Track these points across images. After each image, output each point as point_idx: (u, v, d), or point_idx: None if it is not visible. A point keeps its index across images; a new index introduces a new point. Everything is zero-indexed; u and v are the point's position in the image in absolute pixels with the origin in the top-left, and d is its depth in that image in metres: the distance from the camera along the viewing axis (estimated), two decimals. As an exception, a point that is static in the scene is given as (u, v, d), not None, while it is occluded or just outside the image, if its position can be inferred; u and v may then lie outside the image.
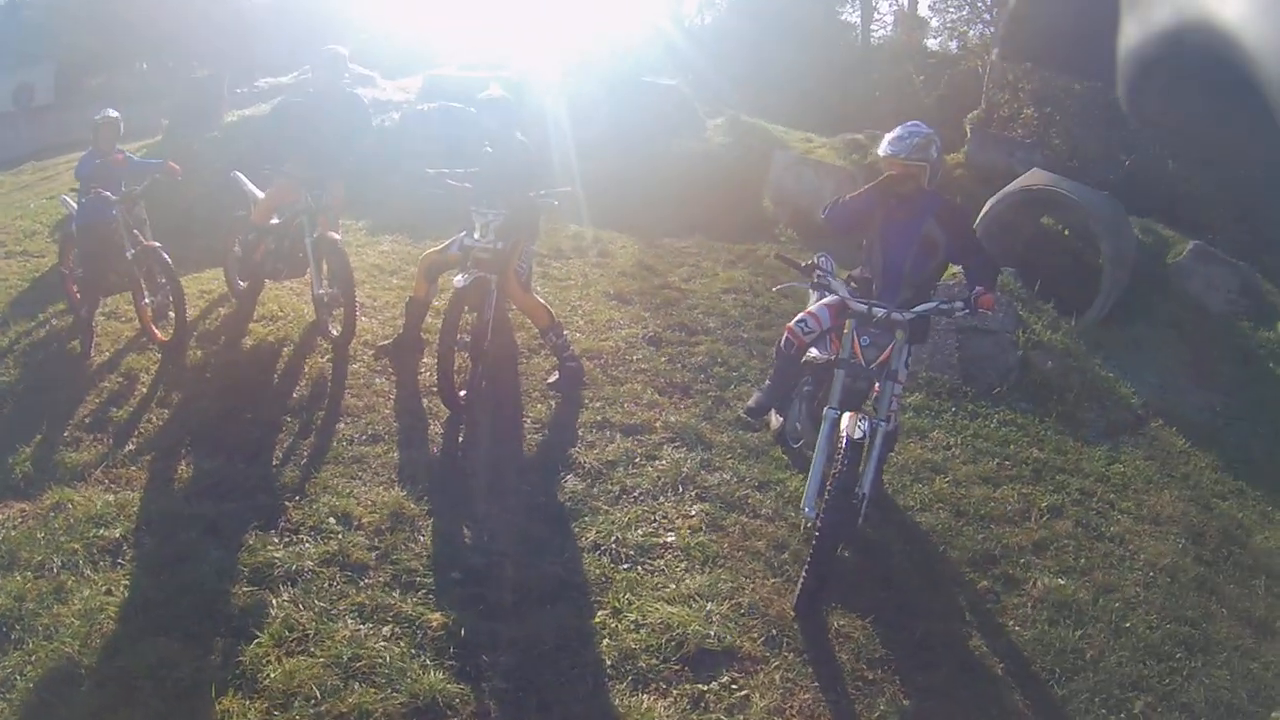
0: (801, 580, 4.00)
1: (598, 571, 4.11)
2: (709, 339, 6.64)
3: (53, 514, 4.40)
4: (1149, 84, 1.32)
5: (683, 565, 4.19)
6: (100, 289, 6.65)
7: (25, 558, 4.07)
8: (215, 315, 6.80)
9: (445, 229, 7.08)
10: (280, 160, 6.45)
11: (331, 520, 4.29)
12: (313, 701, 3.25)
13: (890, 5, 32.94)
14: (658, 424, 5.40)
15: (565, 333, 5.99)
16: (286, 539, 4.17)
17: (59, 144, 16.61)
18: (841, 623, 3.98)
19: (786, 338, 4.64)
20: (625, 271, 8.10)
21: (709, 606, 3.90)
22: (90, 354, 6.29)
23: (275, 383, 5.77)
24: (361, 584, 3.89)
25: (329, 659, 3.43)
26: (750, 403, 4.99)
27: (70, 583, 3.88)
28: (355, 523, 4.29)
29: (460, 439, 5.25)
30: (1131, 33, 1.30)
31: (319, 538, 4.17)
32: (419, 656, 3.50)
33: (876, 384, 4.28)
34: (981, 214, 9.69)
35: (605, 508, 4.60)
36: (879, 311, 4.20)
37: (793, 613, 3.96)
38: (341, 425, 5.20)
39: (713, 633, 3.74)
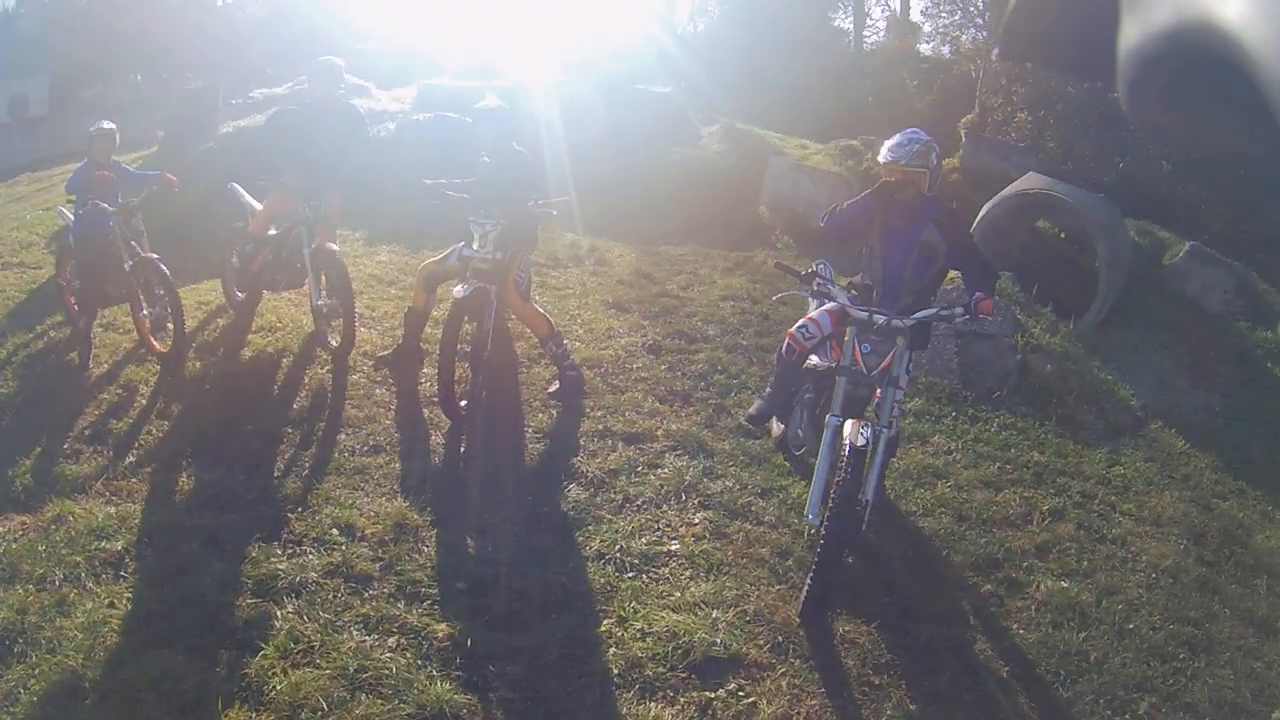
0: (807, 587, 4.00)
1: (602, 580, 4.11)
2: (709, 347, 6.65)
3: (54, 526, 4.38)
4: (1149, 84, 1.33)
5: (687, 573, 4.19)
6: (98, 300, 6.63)
7: (27, 570, 4.04)
8: (214, 326, 6.79)
9: (443, 239, 7.07)
10: (276, 171, 6.44)
11: (335, 531, 4.27)
12: (319, 714, 3.23)
13: (883, 11, 33.13)
14: (659, 432, 5.40)
15: (565, 342, 5.99)
16: (290, 550, 4.15)
17: (54, 155, 16.63)
18: (846, 628, 3.98)
19: (788, 344, 4.64)
20: (623, 280, 8.11)
21: (714, 614, 3.90)
22: (89, 366, 6.27)
23: (275, 394, 5.76)
24: (366, 595, 3.88)
25: (335, 671, 3.41)
26: (751, 410, 4.99)
27: (73, 595, 3.86)
28: (358, 534, 4.27)
29: (462, 449, 5.25)
30: (1131, 33, 1.30)
31: (322, 549, 4.15)
32: (425, 667, 3.49)
33: (878, 390, 4.28)
34: (978, 219, 9.72)
35: (608, 516, 4.59)
36: (880, 319, 4.20)
37: (798, 619, 3.96)
38: (342, 436, 5.19)
39: (719, 640, 3.74)
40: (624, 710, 3.42)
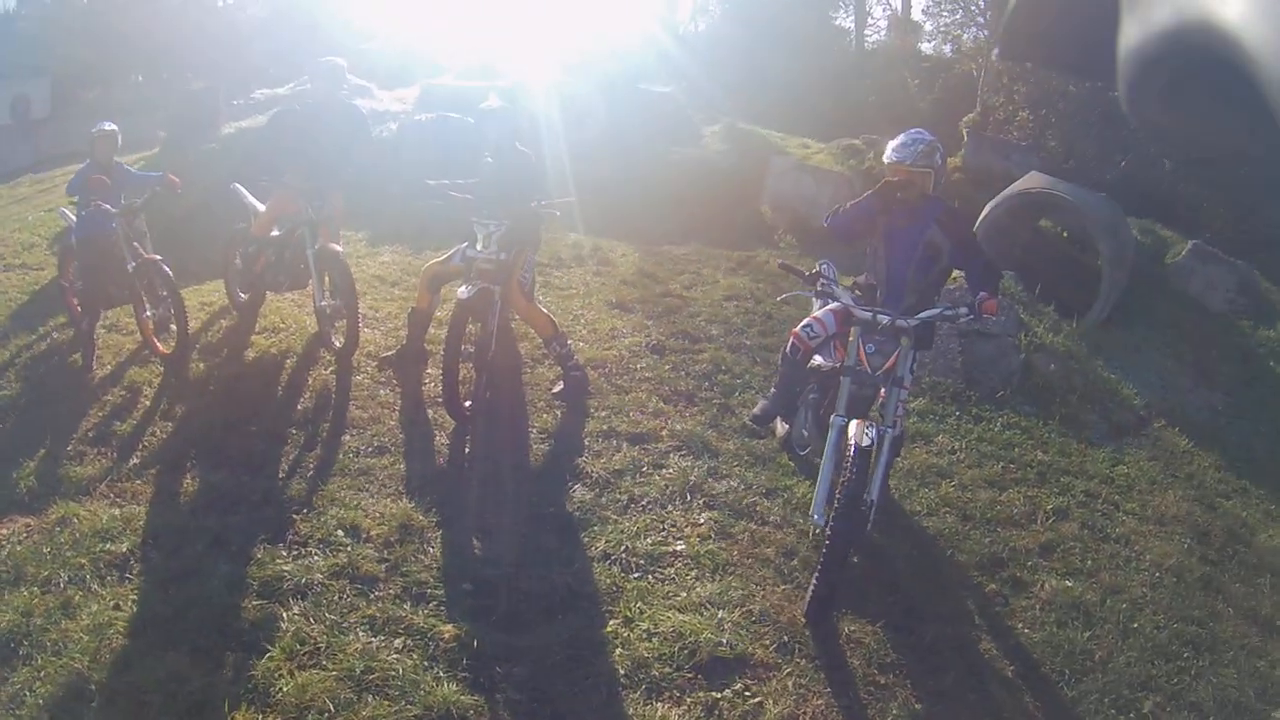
0: (812, 587, 4.00)
1: (608, 581, 4.11)
2: (712, 346, 6.65)
3: (58, 529, 4.38)
4: (1149, 84, 1.33)
5: (693, 573, 4.19)
6: (101, 302, 6.63)
7: (32, 573, 4.05)
8: (217, 328, 6.80)
9: (445, 239, 7.08)
10: (278, 170, 6.45)
11: (340, 533, 4.28)
12: (326, 715, 3.24)
13: (884, 10, 33.16)
14: (664, 432, 5.40)
15: (569, 342, 5.99)
16: (295, 552, 4.15)
17: (56, 156, 16.63)
18: (852, 628, 3.99)
19: (792, 343, 4.64)
20: (626, 279, 8.11)
21: (720, 614, 3.90)
22: (92, 367, 6.27)
23: (279, 395, 5.76)
24: (372, 596, 3.88)
25: (342, 672, 3.42)
26: (756, 410, 4.99)
27: (78, 598, 3.87)
28: (364, 535, 4.28)
29: (466, 450, 5.25)
30: (1131, 33, 1.30)
31: (328, 550, 4.15)
32: (432, 668, 3.50)
33: (882, 390, 4.28)
34: (980, 218, 9.71)
35: (614, 517, 4.59)
36: (884, 319, 4.20)
37: (804, 619, 3.97)
38: (347, 437, 5.20)
39: (724, 640, 3.74)
40: (630, 711, 3.42)
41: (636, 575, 4.16)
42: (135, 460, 5.07)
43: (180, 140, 12.36)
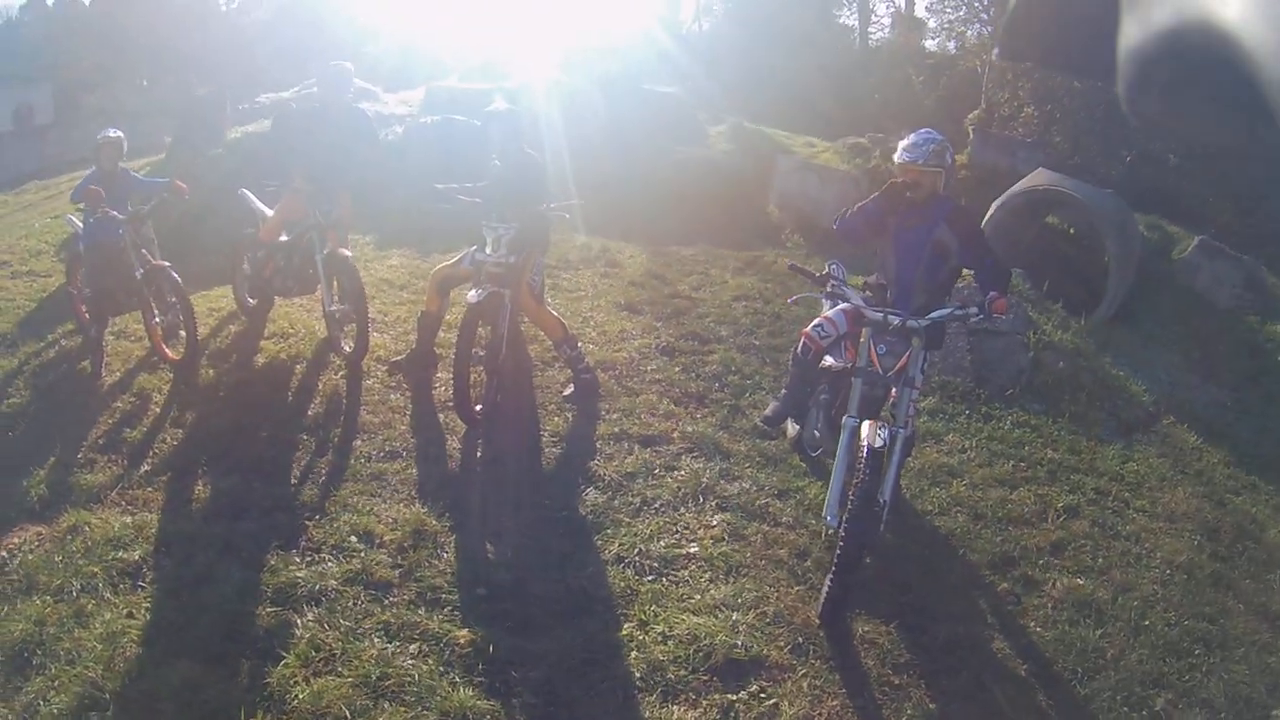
0: (826, 588, 4.00)
1: (622, 584, 4.11)
2: (722, 347, 6.65)
3: (70, 537, 4.38)
4: (1149, 83, 1.33)
5: (706, 575, 4.19)
6: (109, 308, 6.64)
7: (44, 581, 4.05)
8: (226, 333, 6.80)
9: (453, 242, 7.09)
10: (283, 171, 6.45)
11: (353, 538, 4.28)
12: (343, 721, 3.25)
13: (887, 7, 33.11)
14: (675, 434, 5.40)
15: (579, 345, 5.99)
16: (308, 558, 4.15)
17: (61, 162, 16.66)
18: (865, 629, 3.99)
19: (803, 343, 4.63)
20: (635, 281, 8.11)
21: (735, 616, 3.90)
22: (101, 374, 6.28)
23: (289, 400, 5.77)
24: (386, 602, 3.88)
25: (357, 678, 3.42)
26: (767, 411, 4.99)
27: (90, 606, 3.86)
28: (377, 540, 4.28)
29: (478, 454, 5.25)
30: (1131, 32, 1.31)
31: (341, 556, 4.16)
32: (447, 674, 3.50)
33: (893, 390, 4.28)
34: (987, 216, 9.70)
35: (627, 520, 4.59)
36: (894, 319, 4.20)
37: (818, 620, 3.97)
38: (358, 442, 5.20)
39: (739, 642, 3.74)
40: (646, 714, 3.42)
41: (650, 578, 4.16)
42: (146, 467, 5.07)
43: (186, 146, 12.36)
